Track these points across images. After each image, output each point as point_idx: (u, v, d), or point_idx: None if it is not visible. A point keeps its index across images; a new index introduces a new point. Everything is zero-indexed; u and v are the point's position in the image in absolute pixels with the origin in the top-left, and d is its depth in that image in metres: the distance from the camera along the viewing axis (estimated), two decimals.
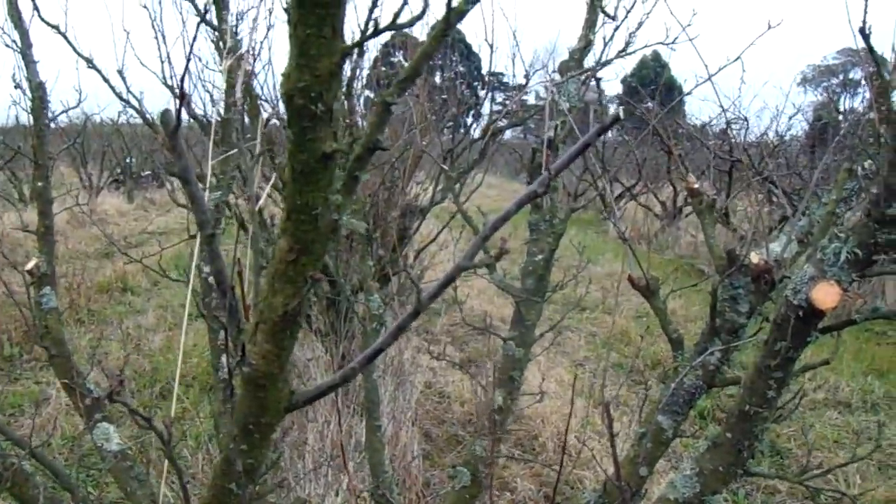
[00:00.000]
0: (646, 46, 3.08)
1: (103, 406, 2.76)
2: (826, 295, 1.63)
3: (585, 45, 2.87)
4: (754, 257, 2.06)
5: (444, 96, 7.80)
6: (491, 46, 4.92)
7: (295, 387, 1.26)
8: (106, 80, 4.73)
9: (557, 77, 2.84)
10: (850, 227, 1.66)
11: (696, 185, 2.31)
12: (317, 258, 1.01)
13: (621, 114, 1.03)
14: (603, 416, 1.91)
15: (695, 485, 2.00)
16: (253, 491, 1.32)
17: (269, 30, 4.08)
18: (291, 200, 0.97)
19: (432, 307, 11.13)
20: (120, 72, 4.78)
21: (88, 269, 11.61)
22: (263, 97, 5.28)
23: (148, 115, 5.24)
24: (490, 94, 7.54)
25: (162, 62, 4.38)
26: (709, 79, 2.54)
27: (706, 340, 2.21)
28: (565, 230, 2.78)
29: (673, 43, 2.95)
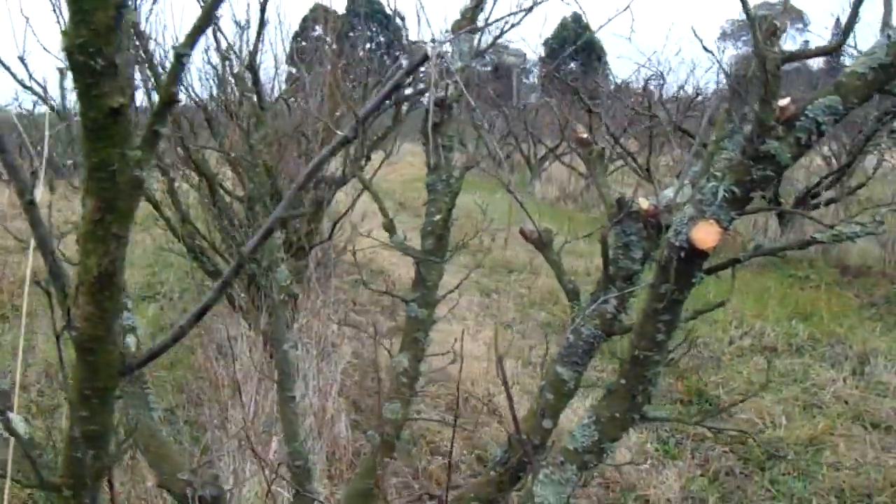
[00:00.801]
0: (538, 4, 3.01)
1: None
2: (706, 234, 1.61)
3: (477, 4, 2.81)
4: (643, 202, 2.04)
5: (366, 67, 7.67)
6: (395, 13, 4.83)
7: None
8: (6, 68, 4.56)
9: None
10: (727, 165, 1.64)
11: (585, 135, 2.28)
12: (123, 216, 0.96)
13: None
14: (497, 370, 1.88)
15: (593, 433, 1.98)
16: (104, 459, 1.27)
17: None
18: (89, 159, 0.92)
19: (358, 278, 11.04)
20: (21, 58, 4.61)
21: (10, 263, 11.32)
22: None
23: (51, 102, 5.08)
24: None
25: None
26: (596, 32, 2.51)
27: (602, 289, 2.19)
28: (461, 189, 2.73)
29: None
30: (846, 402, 6.24)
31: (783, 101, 1.56)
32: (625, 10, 2.62)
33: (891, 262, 10.28)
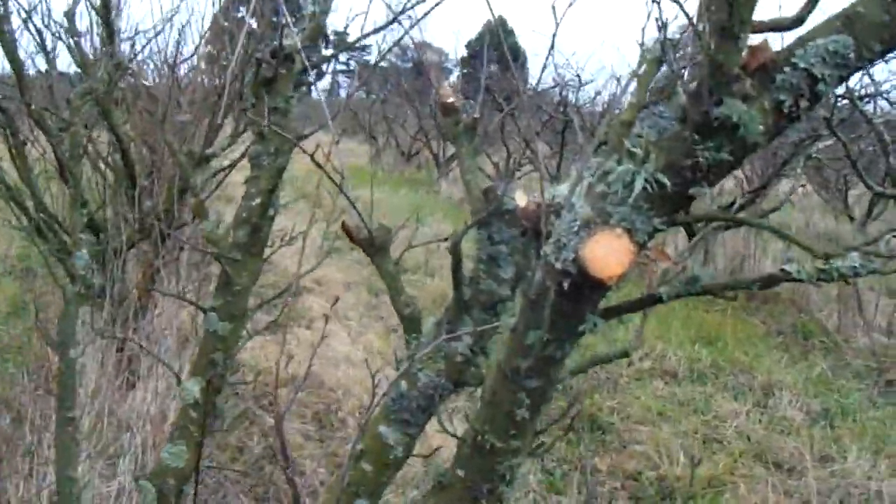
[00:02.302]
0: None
1: None
2: (609, 253, 0.92)
3: None
4: (521, 198, 1.34)
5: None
6: None
7: None
8: None
9: None
10: (655, 139, 0.95)
11: (452, 100, 1.58)
12: None
13: None
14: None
15: None
16: None
17: None
18: None
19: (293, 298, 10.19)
20: None
21: None
22: None
23: None
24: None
25: None
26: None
27: (451, 319, 1.48)
28: (287, 165, 2.01)
29: None
30: (748, 438, 5.81)
31: (756, 39, 0.89)
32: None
33: (800, 290, 9.89)
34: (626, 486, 4.93)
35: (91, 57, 4.15)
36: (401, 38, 2.65)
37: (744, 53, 0.89)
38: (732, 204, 10.52)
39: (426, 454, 1.63)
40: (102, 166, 5.07)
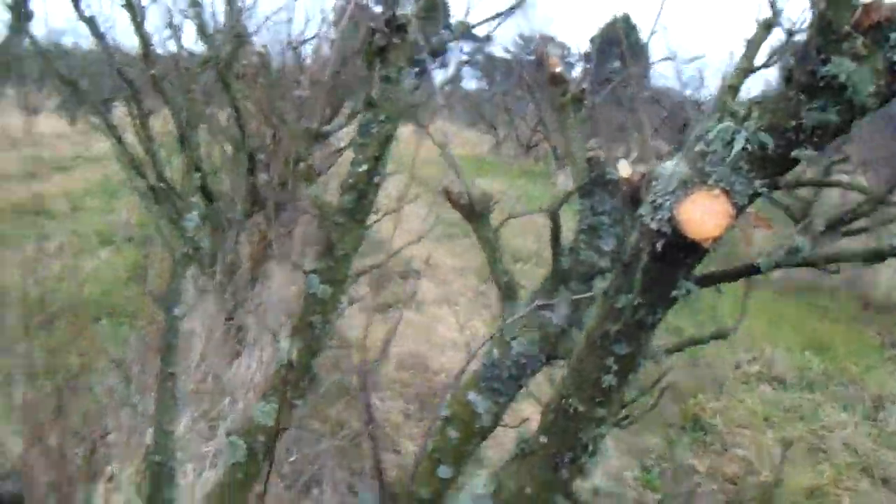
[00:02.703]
0: None
1: None
2: (705, 214, 0.89)
3: None
4: (624, 168, 1.31)
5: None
6: None
7: None
8: None
9: None
10: (758, 100, 0.92)
11: (560, 69, 1.56)
12: None
13: None
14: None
15: None
16: None
17: None
18: None
19: (398, 271, 10.33)
20: None
21: (4, 189, 10.90)
22: None
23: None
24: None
25: None
26: None
27: (549, 289, 1.47)
28: (394, 136, 2.02)
29: None
30: (856, 451, 5.61)
31: None
32: None
33: None
34: (724, 490, 4.83)
35: (211, 28, 4.26)
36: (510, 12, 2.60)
37: (857, 11, 0.86)
38: (857, 208, 10.13)
39: (514, 425, 1.62)
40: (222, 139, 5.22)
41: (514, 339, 1.47)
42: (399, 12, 2.10)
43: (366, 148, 2.07)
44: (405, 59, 2.16)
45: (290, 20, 5.64)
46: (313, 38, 5.47)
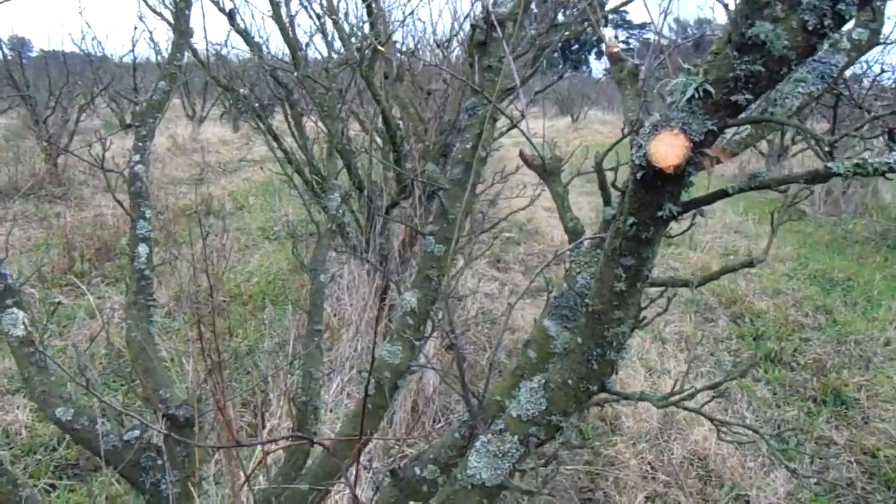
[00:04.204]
0: None
1: (14, 293, 2.53)
2: (668, 149, 1.19)
3: None
4: (610, 41, 1.61)
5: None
6: None
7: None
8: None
9: None
10: (707, 59, 1.21)
11: (617, 50, 1.86)
12: None
13: None
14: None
15: (540, 401, 1.58)
16: None
17: None
18: None
19: (510, 235, 10.76)
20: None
21: (177, 193, 11.79)
22: None
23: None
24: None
25: None
26: None
27: (602, 231, 1.77)
28: (497, 115, 2.35)
29: None
30: None
31: None
32: None
33: None
34: (860, 461, 4.87)
35: (346, 33, 4.69)
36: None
37: None
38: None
39: None
40: (373, 134, 5.66)
41: (578, 273, 1.78)
42: (497, 10, 2.43)
43: (471, 127, 2.42)
44: (503, 50, 2.49)
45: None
46: (454, 35, 5.81)
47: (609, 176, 1.79)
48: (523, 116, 1.93)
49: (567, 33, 4.75)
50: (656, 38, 1.93)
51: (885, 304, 7.76)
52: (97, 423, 2.46)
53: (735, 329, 7.12)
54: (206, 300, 6.70)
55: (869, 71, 10.55)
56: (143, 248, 2.80)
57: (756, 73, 1.15)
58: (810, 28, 1.13)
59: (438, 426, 4.82)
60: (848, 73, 10.28)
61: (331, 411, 4.29)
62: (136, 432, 2.53)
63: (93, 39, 32.01)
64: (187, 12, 3.18)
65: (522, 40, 4.40)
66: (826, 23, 1.13)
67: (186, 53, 4.57)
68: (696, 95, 1.18)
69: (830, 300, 7.91)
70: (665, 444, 4.88)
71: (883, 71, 10.07)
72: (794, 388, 5.85)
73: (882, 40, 2.10)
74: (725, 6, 1.29)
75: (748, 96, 1.18)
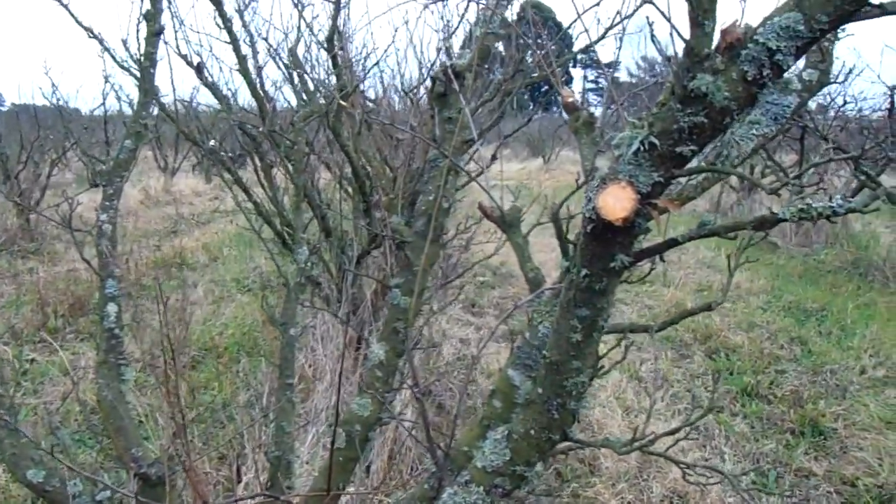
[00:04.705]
0: None
1: None
2: (616, 201, 1.20)
3: None
4: (567, 93, 1.63)
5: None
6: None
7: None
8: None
9: None
10: (653, 112, 1.23)
11: (572, 99, 1.87)
12: None
13: None
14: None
15: (504, 451, 1.59)
16: None
17: None
18: None
19: (484, 279, 10.78)
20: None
21: (149, 246, 11.76)
22: None
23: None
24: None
25: None
26: None
27: (561, 281, 1.78)
28: (457, 169, 2.37)
29: None
30: None
31: (726, 23, 1.15)
32: None
33: None
34: (840, 491, 4.87)
35: (311, 86, 4.71)
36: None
37: (714, 36, 1.15)
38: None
39: None
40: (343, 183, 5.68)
41: (540, 322, 1.79)
42: (456, 62, 2.46)
43: (434, 180, 2.43)
44: (462, 101, 2.51)
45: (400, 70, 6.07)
46: (418, 85, 5.85)
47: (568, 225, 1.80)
48: (483, 171, 1.95)
49: (534, 76, 4.79)
50: (609, 85, 1.95)
51: (859, 332, 7.82)
52: (67, 485, 2.44)
53: (711, 364, 7.14)
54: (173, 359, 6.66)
55: (832, 103, 10.70)
56: (111, 308, 2.79)
57: (699, 124, 1.17)
58: (750, 79, 1.15)
59: (416, 474, 4.78)
60: (812, 104, 10.43)
61: (307, 463, 4.26)
62: (108, 493, 2.50)
63: (58, 100, 31.78)
64: (152, 71, 3.19)
65: (490, 85, 4.44)
66: (765, 73, 1.15)
67: (154, 109, 4.58)
68: (643, 148, 1.19)
69: (805, 331, 7.96)
70: (644, 483, 4.86)
71: (846, 102, 10.18)
72: (772, 421, 5.86)
73: (832, 80, 2.13)
74: (668, 60, 1.31)
75: (693, 147, 1.19)
